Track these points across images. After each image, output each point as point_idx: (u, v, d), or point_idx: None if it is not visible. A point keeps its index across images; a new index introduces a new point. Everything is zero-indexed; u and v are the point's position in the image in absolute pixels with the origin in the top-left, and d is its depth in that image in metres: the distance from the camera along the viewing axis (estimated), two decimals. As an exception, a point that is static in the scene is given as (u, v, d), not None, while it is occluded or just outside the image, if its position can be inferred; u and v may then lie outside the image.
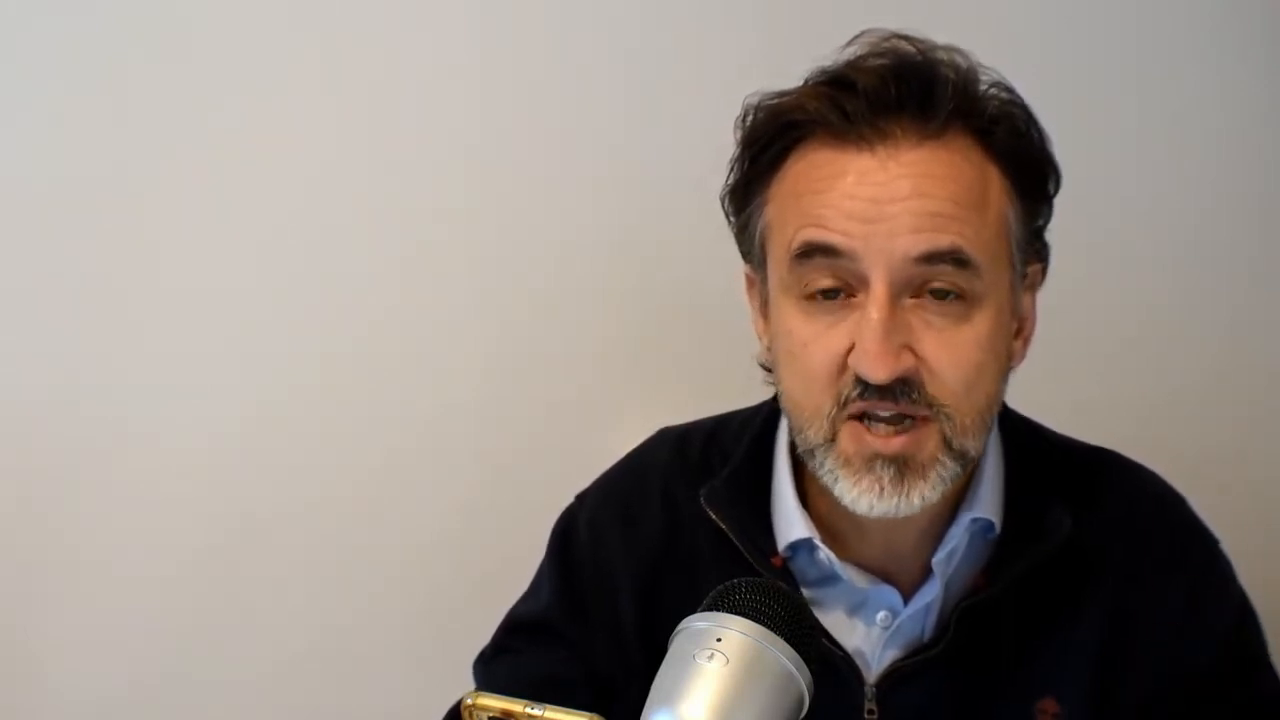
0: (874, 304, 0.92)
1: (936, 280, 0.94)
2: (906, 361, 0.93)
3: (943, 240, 0.92)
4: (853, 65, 0.97)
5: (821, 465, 0.97)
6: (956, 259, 0.93)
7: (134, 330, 1.51)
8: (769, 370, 1.06)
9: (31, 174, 1.49)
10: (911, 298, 0.94)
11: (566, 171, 1.52)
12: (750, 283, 1.06)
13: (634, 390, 1.53)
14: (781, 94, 1.00)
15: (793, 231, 0.96)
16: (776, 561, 1.03)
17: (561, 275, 1.53)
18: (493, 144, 1.52)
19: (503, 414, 1.55)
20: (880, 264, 0.92)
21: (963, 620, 1.01)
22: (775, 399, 1.09)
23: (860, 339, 0.93)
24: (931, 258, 0.93)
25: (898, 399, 0.93)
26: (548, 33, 1.52)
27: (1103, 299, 1.53)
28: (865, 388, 0.93)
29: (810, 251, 0.94)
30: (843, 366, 0.95)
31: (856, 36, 0.99)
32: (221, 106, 1.49)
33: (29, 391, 1.51)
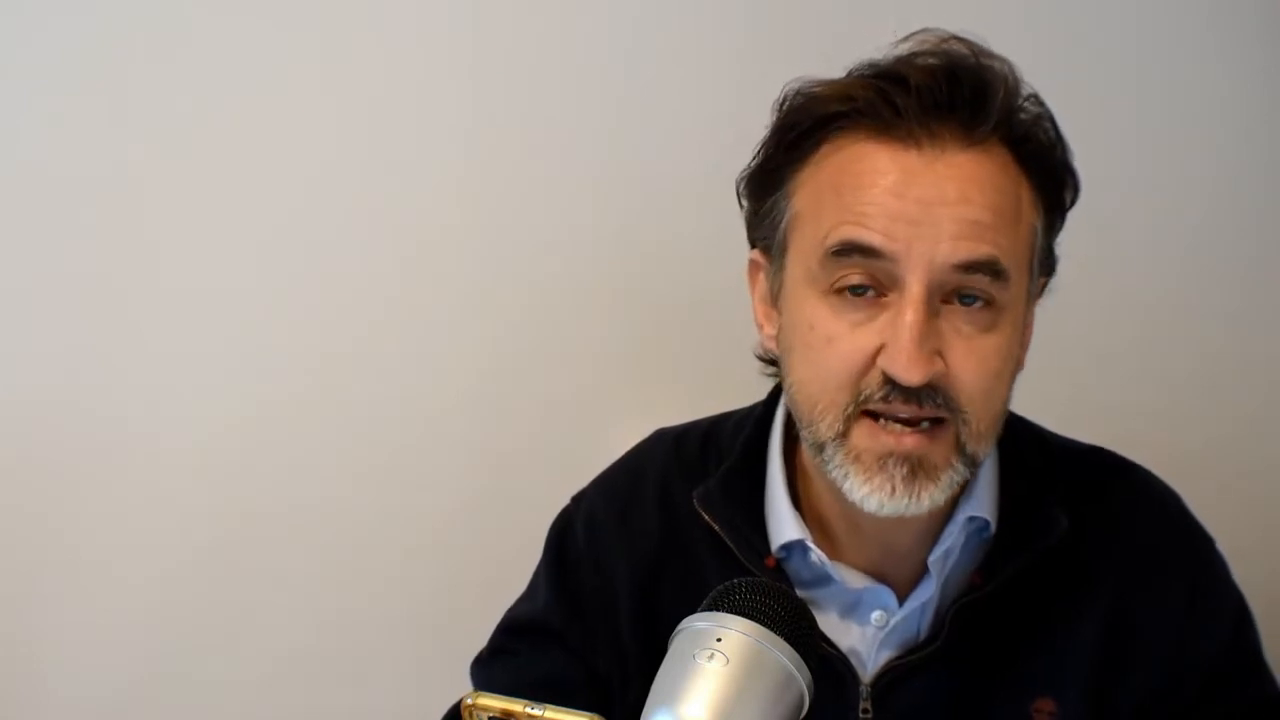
0: (910, 306, 0.92)
1: (969, 290, 0.94)
2: (938, 366, 0.93)
3: (982, 250, 0.92)
4: (905, 61, 0.96)
5: (831, 460, 0.96)
6: (994, 269, 0.93)
7: (134, 330, 1.51)
8: (767, 362, 1.06)
9: (30, 173, 1.49)
10: (942, 303, 0.94)
11: (565, 171, 1.52)
12: (755, 268, 1.05)
13: (631, 390, 1.53)
14: (826, 81, 0.99)
15: (830, 226, 0.95)
16: (770, 562, 1.03)
17: (559, 275, 1.53)
18: (491, 143, 1.52)
19: (500, 414, 1.55)
20: (920, 268, 0.92)
21: (958, 619, 1.01)
22: (768, 400, 1.10)
23: (894, 341, 0.92)
24: (970, 267, 0.92)
25: (921, 403, 0.93)
26: (548, 32, 1.52)
27: (1101, 298, 1.53)
28: (891, 389, 0.93)
29: (848, 250, 0.93)
30: (868, 365, 0.94)
31: (912, 34, 0.98)
32: (222, 106, 1.49)
33: (29, 391, 1.51)
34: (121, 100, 1.48)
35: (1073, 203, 1.02)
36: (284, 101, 1.50)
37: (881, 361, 0.93)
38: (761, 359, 1.07)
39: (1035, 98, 0.99)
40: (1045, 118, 0.99)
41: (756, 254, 1.04)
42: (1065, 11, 1.52)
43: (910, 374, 0.92)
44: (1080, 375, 1.51)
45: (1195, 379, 1.56)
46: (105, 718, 1.55)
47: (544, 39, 1.52)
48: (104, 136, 1.48)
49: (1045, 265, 1.02)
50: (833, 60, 1.00)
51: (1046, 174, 0.98)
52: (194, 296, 1.51)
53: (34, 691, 1.54)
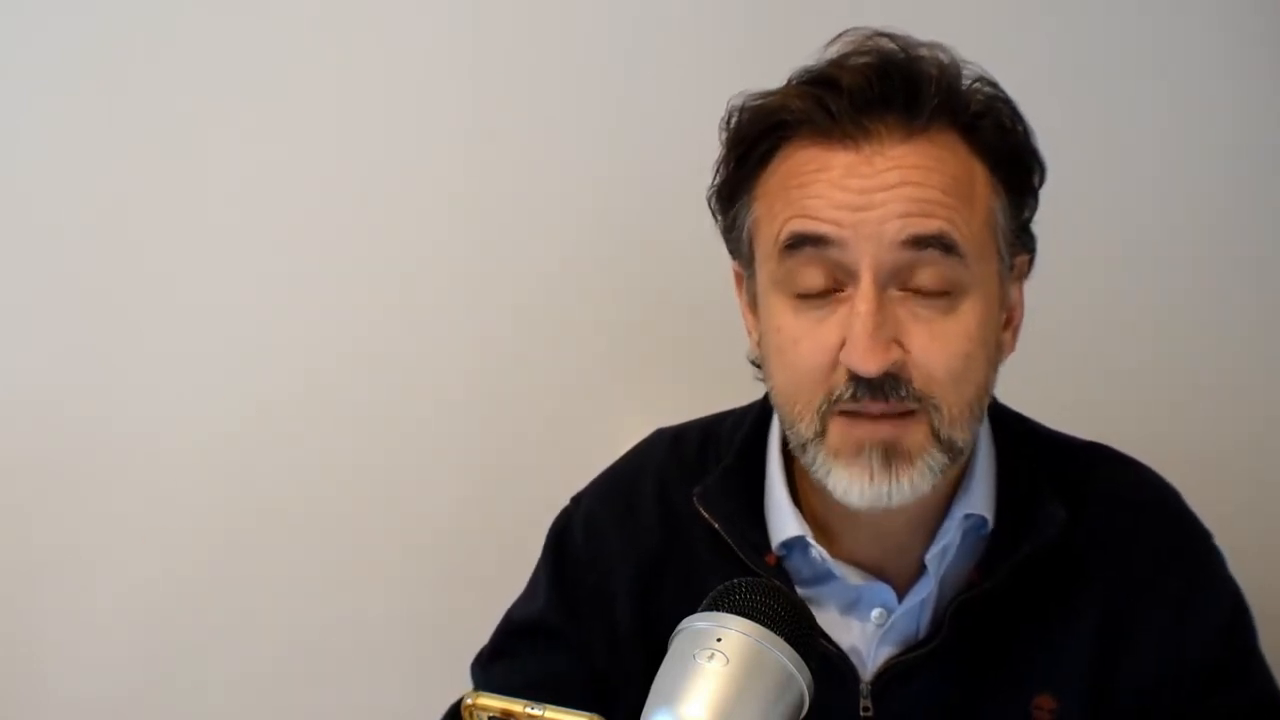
0: (862, 297, 0.93)
1: (923, 271, 0.94)
2: (895, 354, 0.93)
3: (930, 225, 0.93)
4: (836, 64, 0.98)
5: (813, 460, 0.97)
6: (944, 244, 0.93)
7: (133, 330, 1.51)
8: (760, 366, 1.06)
9: (30, 174, 1.49)
10: (899, 290, 0.94)
11: (565, 172, 1.52)
12: (739, 279, 1.06)
13: (631, 390, 1.53)
14: (766, 94, 1.00)
15: (780, 224, 0.96)
16: (770, 560, 1.04)
17: (560, 275, 1.54)
18: (491, 144, 1.52)
19: (501, 415, 1.55)
20: (868, 252, 0.93)
21: (957, 617, 1.01)
22: (766, 398, 1.10)
23: (850, 333, 0.93)
24: (919, 242, 0.93)
25: (887, 396, 0.94)
26: (549, 32, 1.52)
27: (1107, 299, 1.53)
28: (856, 384, 0.94)
29: (799, 242, 0.95)
30: (834, 362, 0.95)
31: (839, 35, 1.00)
32: (221, 106, 1.49)
33: (29, 391, 1.51)
34: (121, 101, 1.48)
35: (1040, 182, 1.02)
36: (283, 102, 1.50)
37: (842, 357, 0.94)
38: (754, 363, 1.08)
39: (985, 80, 0.99)
40: (998, 99, 0.99)
41: (737, 265, 1.06)
42: (1069, 13, 1.52)
43: (867, 364, 0.92)
44: (1084, 375, 1.51)
45: (1195, 377, 1.55)
46: (105, 718, 1.55)
47: (545, 38, 1.52)
48: (105, 137, 1.48)
49: (1020, 244, 1.02)
50: (818, 60, 0.99)
51: (1003, 156, 0.98)
52: (194, 296, 1.51)
53: (34, 691, 1.54)
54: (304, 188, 1.51)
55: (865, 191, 0.93)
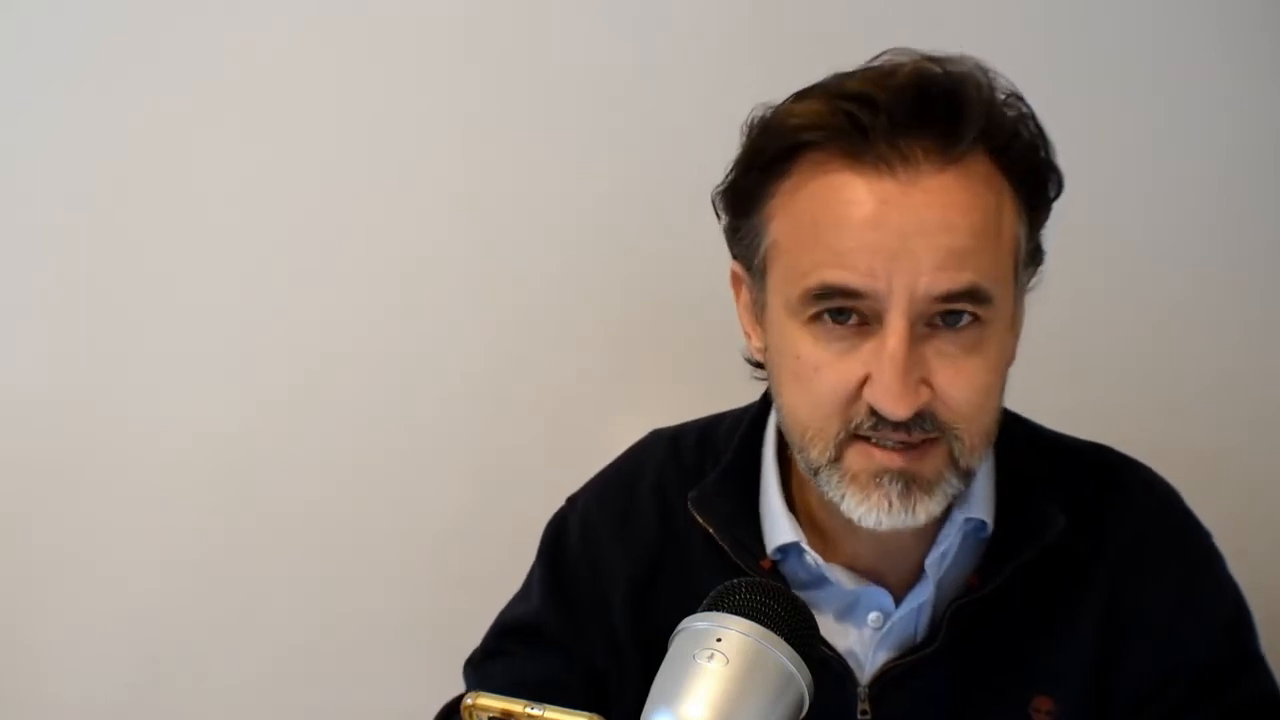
0: (893, 337, 0.91)
1: (951, 314, 0.93)
2: (924, 396, 0.92)
3: (963, 279, 0.91)
4: (874, 82, 0.93)
5: (827, 482, 0.96)
6: (975, 297, 0.92)
7: (134, 330, 1.51)
8: (756, 365, 1.05)
9: (30, 173, 1.49)
10: (925, 326, 0.93)
11: (566, 172, 1.52)
12: (737, 279, 1.04)
13: (631, 391, 1.53)
14: (794, 102, 0.97)
15: (809, 266, 0.93)
16: (765, 564, 1.03)
17: (560, 275, 1.53)
18: (491, 144, 1.52)
19: (500, 415, 1.55)
20: (902, 302, 0.91)
21: (955, 620, 1.01)
22: (763, 401, 1.10)
23: (879, 374, 0.91)
24: (951, 297, 0.91)
25: (910, 430, 0.93)
26: (550, 31, 1.51)
27: (1102, 298, 1.53)
28: (879, 419, 0.92)
29: (829, 293, 0.92)
30: (855, 395, 0.93)
31: (879, 55, 0.96)
32: (222, 105, 1.49)
33: (29, 391, 1.51)
34: (121, 100, 1.48)
35: (1056, 195, 1.00)
36: (284, 101, 1.50)
37: (867, 394, 0.92)
38: (751, 362, 1.07)
39: (1014, 94, 0.97)
40: (1027, 117, 0.97)
41: (737, 266, 1.03)
42: (1069, 13, 1.52)
43: (897, 409, 0.91)
44: (1083, 376, 1.51)
45: (1196, 380, 1.55)
46: (105, 718, 1.55)
47: (546, 38, 1.52)
48: (104, 136, 1.48)
49: (1032, 259, 1.01)
50: (838, 67, 0.98)
51: (1030, 176, 0.97)
52: (194, 296, 1.51)
53: (34, 691, 1.54)
54: (304, 187, 1.51)
55: (902, 234, 0.90)
